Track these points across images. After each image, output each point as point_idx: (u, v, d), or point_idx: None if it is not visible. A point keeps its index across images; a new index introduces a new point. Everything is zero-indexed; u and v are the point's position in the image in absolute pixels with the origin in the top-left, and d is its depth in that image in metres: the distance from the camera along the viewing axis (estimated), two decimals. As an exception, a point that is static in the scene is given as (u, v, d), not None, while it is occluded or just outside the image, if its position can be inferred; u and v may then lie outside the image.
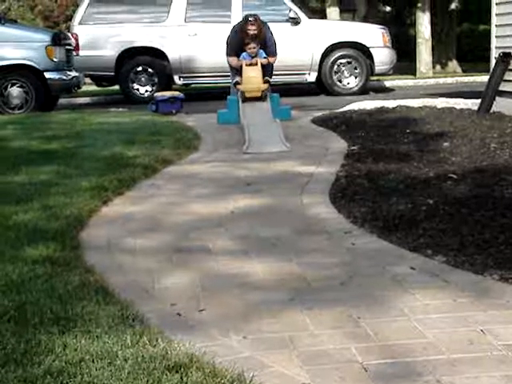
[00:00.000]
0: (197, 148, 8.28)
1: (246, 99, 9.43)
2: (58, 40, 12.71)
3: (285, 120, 9.48)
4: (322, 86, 15.60)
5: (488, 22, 10.08)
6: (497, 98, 9.45)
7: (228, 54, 10.09)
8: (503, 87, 9.34)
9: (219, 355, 2.87)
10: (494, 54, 9.61)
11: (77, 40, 14.58)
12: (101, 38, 14.89)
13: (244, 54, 9.81)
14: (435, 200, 5.27)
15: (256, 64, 9.66)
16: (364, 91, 15.35)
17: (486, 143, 7.37)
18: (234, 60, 10.00)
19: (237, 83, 9.74)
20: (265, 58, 9.82)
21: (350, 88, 15.38)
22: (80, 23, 15.02)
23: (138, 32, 15.05)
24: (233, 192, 5.98)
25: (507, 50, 9.20)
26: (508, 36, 9.34)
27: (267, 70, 9.81)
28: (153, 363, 2.70)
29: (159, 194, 6.01)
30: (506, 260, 3.97)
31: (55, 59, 12.49)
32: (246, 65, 9.69)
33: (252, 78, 9.62)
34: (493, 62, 9.60)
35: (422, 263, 4.03)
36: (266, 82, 9.65)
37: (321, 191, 5.85)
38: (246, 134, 8.32)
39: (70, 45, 13.43)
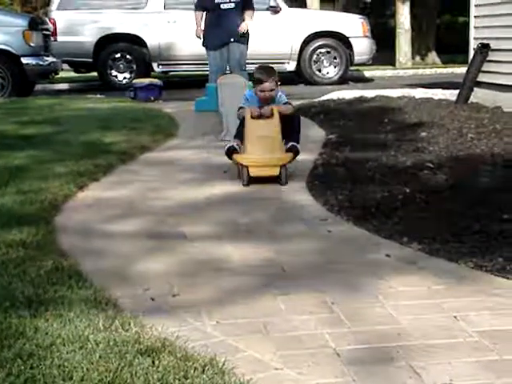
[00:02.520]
0: (174, 135, 8.26)
1: (251, 180, 5.63)
2: (36, 25, 12.61)
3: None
4: (301, 76, 15.59)
5: (468, 14, 10.10)
6: (475, 88, 9.47)
7: (196, 9, 10.28)
8: (481, 78, 9.36)
9: (192, 340, 2.85)
10: (473, 44, 9.63)
11: (54, 25, 14.48)
12: (79, 23, 14.80)
13: (248, 93, 6.11)
14: (412, 189, 5.28)
15: (271, 116, 5.75)
16: (343, 81, 15.37)
17: (463, 133, 7.39)
18: (198, 15, 10.12)
19: (232, 150, 5.80)
20: (286, 103, 5.94)
21: (330, 77, 15.39)
22: (58, 8, 14.92)
23: (116, 18, 14.97)
24: (210, 179, 5.96)
25: (485, 41, 9.22)
26: (486, 27, 9.36)
27: (292, 124, 5.87)
28: (125, 347, 2.68)
29: (135, 180, 5.98)
30: (480, 248, 3.97)
31: (32, 44, 12.40)
32: (253, 117, 5.76)
33: (263, 140, 5.67)
34: (471, 52, 9.62)
35: (397, 251, 4.03)
36: (290, 149, 5.74)
37: (298, 179, 5.84)
38: (223, 122, 8.27)
39: (47, 30, 13.34)
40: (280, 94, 5.95)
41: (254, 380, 2.50)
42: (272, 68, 6.09)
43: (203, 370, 2.52)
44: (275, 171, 5.60)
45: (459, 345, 2.82)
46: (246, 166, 5.59)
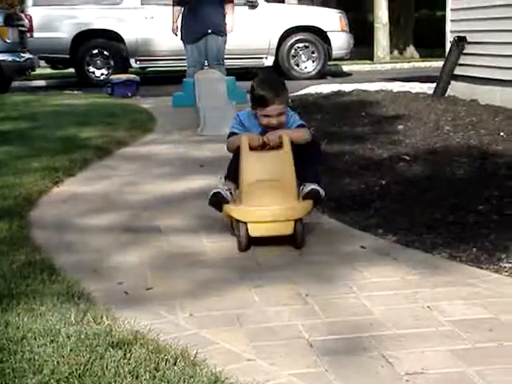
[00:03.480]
0: (151, 130, 8.23)
1: (250, 242, 3.96)
2: (11, 21, 12.55)
3: (240, 103, 9.44)
4: (279, 70, 15.56)
5: (444, 7, 10.12)
6: (452, 82, 9.50)
7: (173, 3, 10.26)
8: (458, 71, 9.40)
9: (164, 332, 2.84)
10: (449, 38, 9.66)
11: (31, 21, 14.38)
12: (55, 19, 14.69)
13: (242, 114, 4.30)
14: (387, 181, 5.29)
15: (280, 146, 4.05)
16: (321, 75, 15.37)
17: (439, 126, 7.42)
18: (175, 11, 10.08)
19: (219, 198, 4.08)
20: (301, 125, 4.21)
21: (308, 72, 15.40)
22: (34, 4, 14.80)
23: (93, 14, 14.87)
24: (186, 173, 5.93)
25: (462, 34, 9.25)
26: (463, 20, 9.39)
27: (309, 155, 4.20)
28: (96, 340, 2.66)
29: (111, 175, 5.94)
30: (454, 239, 3.99)
31: (8, 40, 12.33)
32: (253, 147, 4.07)
33: (269, 184, 3.97)
34: (448, 46, 9.64)
35: (372, 242, 4.03)
36: (309, 195, 4.05)
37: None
38: (201, 117, 8.27)
39: (23, 26, 13.24)
40: (291, 113, 4.25)
41: (226, 371, 2.49)
42: (280, 81, 4.27)
43: (175, 362, 2.50)
44: (287, 229, 3.90)
45: (432, 334, 2.82)
46: (244, 223, 3.92)
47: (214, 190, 4.11)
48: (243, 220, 3.92)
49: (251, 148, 4.04)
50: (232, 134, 4.23)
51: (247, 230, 3.90)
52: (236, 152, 4.14)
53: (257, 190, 3.94)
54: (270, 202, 3.92)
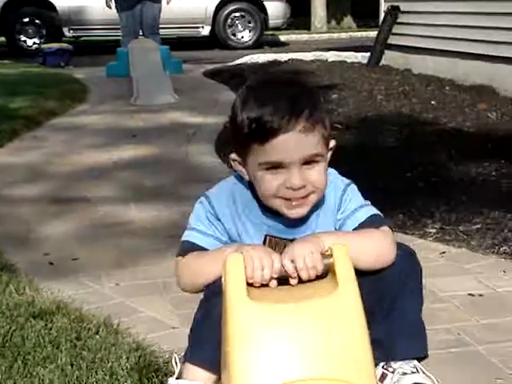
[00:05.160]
0: (84, 100, 8.12)
1: None
2: None
3: (176, 73, 9.37)
4: (215, 40, 15.48)
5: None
6: (386, 51, 9.55)
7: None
8: (392, 40, 9.44)
9: (88, 302, 2.81)
10: (383, 7, 9.70)
11: (-43, -12, 13.98)
12: (-16, -14, 14.32)
13: (222, 191, 1.88)
14: (319, 149, 5.29)
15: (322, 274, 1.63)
16: (258, 45, 15.32)
17: (373, 95, 7.47)
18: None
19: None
20: (370, 220, 1.82)
21: (244, 42, 15.34)
22: (-39, -30, 14.39)
23: (24, -19, 14.52)
24: (118, 143, 5.87)
25: (395, 4, 9.29)
26: (396, -11, 9.43)
27: (401, 293, 1.80)
28: (17, 311, 2.62)
29: (41, 146, 5.85)
30: (381, 205, 3.98)
31: None
32: (260, 284, 1.62)
33: None
34: (382, 15, 9.68)
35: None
36: None
37: (207, 141, 5.81)
38: (134, 86, 8.18)
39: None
40: (343, 182, 1.95)
41: (149, 339, 2.48)
42: (305, 89, 1.83)
43: (97, 331, 2.48)
44: None
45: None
46: None
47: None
48: None
49: (250, 284, 1.66)
50: (189, 245, 1.93)
51: None
52: (209, 292, 1.81)
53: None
54: None
